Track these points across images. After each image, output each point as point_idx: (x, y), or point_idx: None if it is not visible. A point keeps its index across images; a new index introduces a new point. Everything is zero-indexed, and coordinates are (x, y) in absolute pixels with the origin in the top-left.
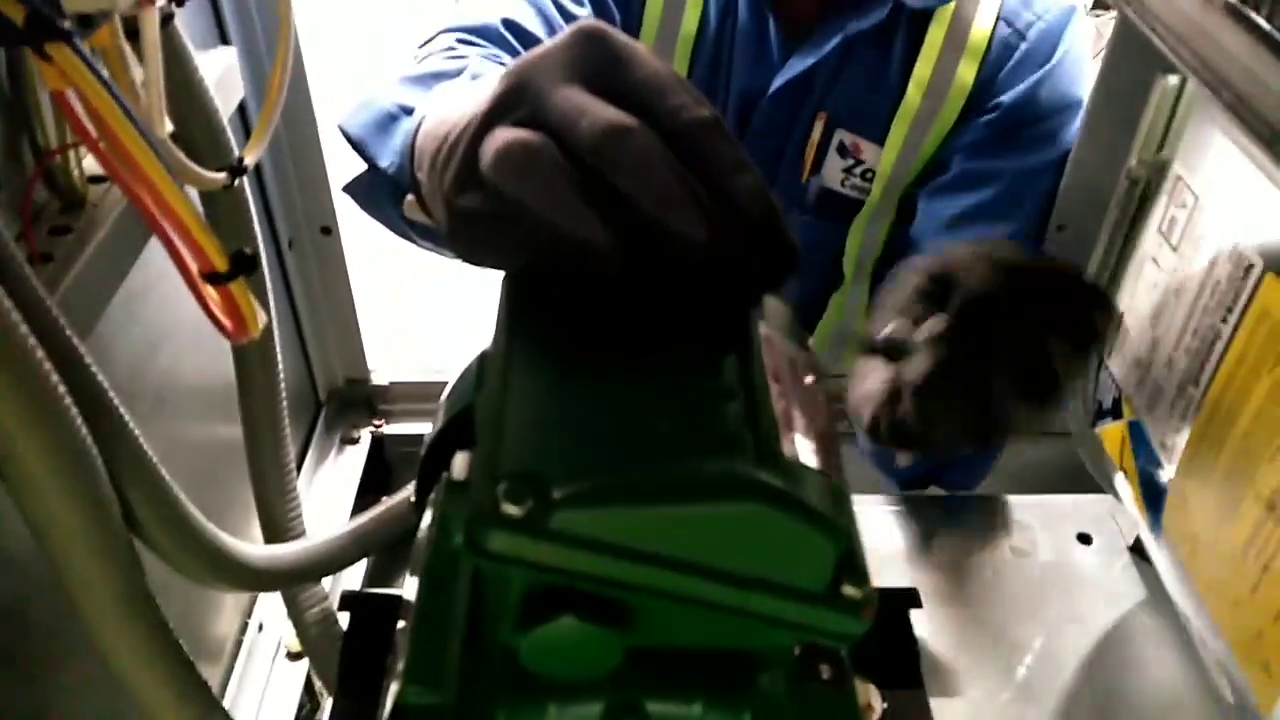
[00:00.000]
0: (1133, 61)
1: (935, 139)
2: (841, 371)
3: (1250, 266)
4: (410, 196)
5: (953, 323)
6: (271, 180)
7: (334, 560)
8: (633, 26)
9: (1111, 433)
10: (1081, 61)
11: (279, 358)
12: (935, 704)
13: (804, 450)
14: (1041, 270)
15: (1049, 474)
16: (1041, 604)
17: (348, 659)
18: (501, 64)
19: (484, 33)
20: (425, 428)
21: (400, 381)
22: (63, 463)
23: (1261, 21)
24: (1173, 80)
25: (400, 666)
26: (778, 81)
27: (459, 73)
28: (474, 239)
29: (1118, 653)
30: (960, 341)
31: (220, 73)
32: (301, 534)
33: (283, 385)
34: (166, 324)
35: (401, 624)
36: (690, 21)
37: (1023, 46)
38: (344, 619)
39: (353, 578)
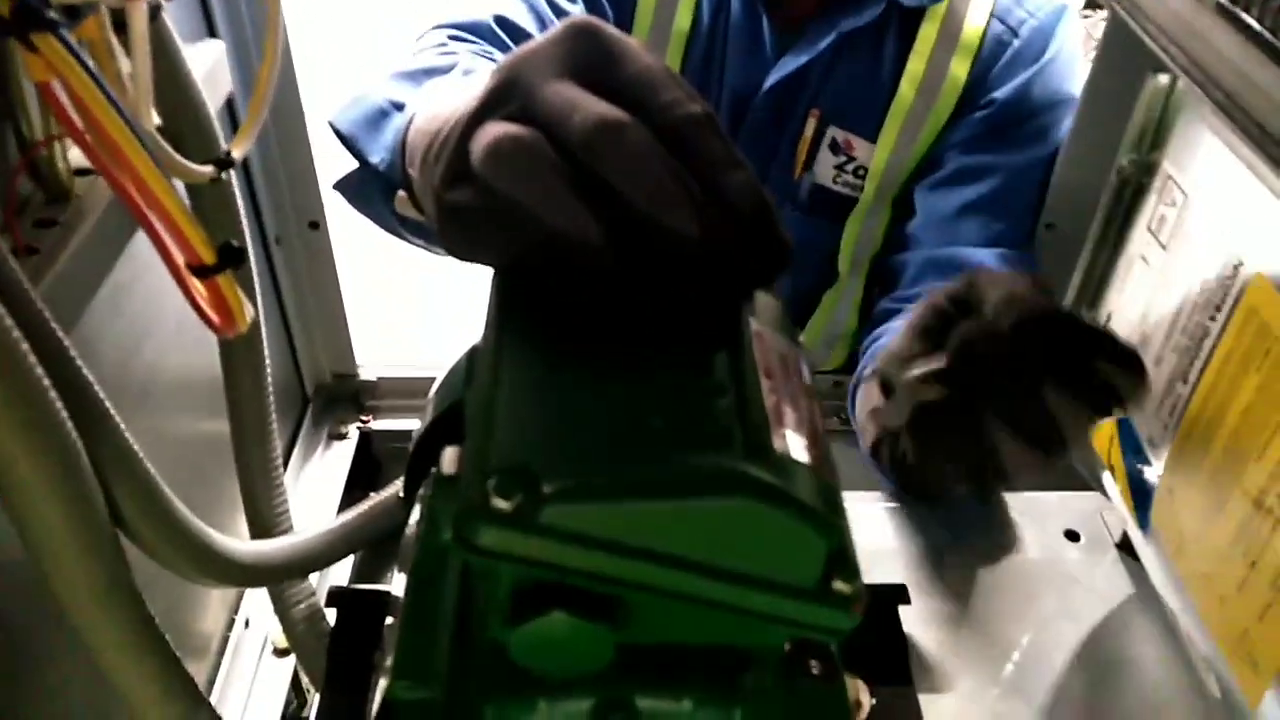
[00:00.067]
0: (1123, 60)
1: (928, 136)
2: (832, 368)
3: (1239, 265)
4: (401, 193)
5: (947, 364)
6: (259, 175)
7: (321, 556)
8: (625, 22)
9: (1099, 430)
10: (1074, 58)
11: (266, 352)
12: (924, 700)
13: (795, 446)
14: (1059, 321)
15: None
16: (1030, 600)
17: (335, 655)
18: (493, 60)
19: (475, 29)
20: (413, 423)
21: (388, 377)
22: (47, 457)
23: (1252, 21)
24: (1163, 79)
25: (389, 662)
26: (771, 78)
27: (450, 68)
28: (465, 234)
29: (1105, 649)
30: (953, 384)
31: (208, 66)
32: (289, 529)
33: (270, 380)
34: (152, 318)
35: (390, 620)
36: (683, 18)
37: (1015, 43)
38: (331, 615)
39: (340, 574)
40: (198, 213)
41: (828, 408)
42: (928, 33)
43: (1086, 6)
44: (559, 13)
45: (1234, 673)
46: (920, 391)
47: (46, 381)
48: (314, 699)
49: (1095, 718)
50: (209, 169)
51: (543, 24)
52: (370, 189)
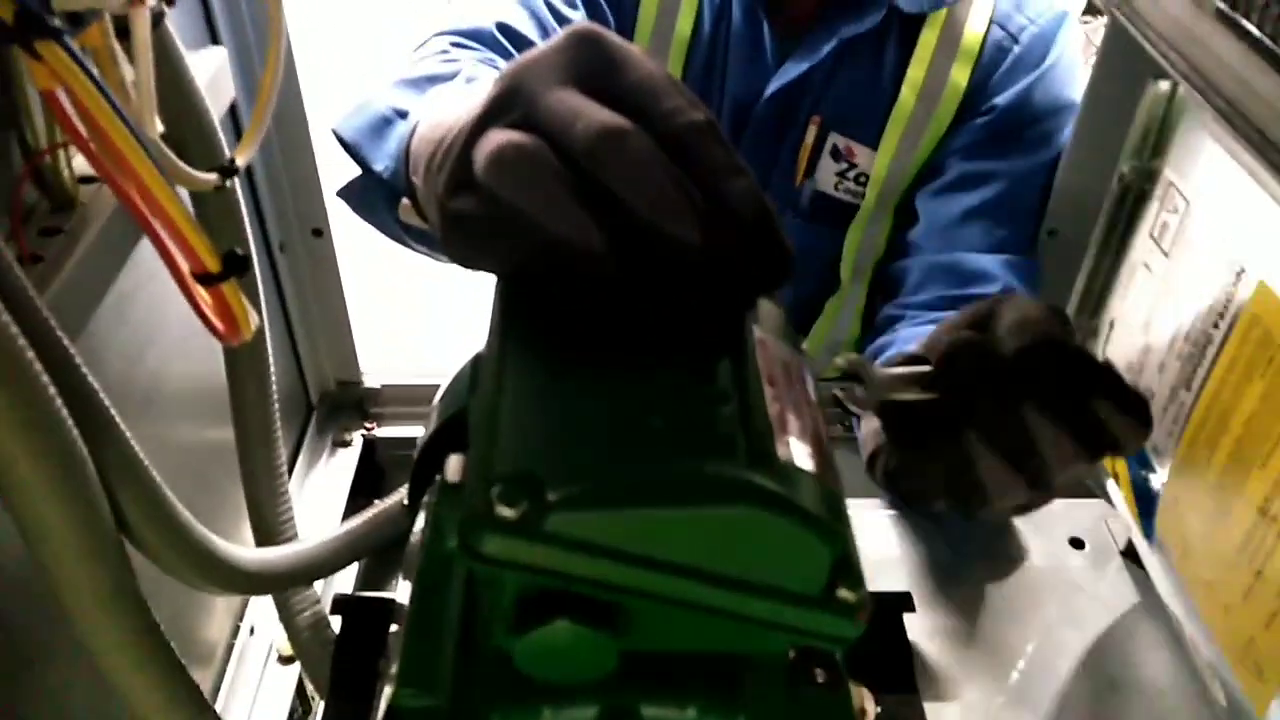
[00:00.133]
0: (1123, 67)
1: (929, 143)
2: (835, 375)
3: (1241, 272)
4: (405, 200)
5: (933, 369)
6: (263, 182)
7: (326, 563)
8: (627, 29)
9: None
10: (1074, 65)
11: (270, 360)
12: (928, 708)
13: (799, 454)
14: (1065, 352)
15: None
16: (1034, 608)
17: (340, 663)
18: (495, 67)
19: (478, 36)
20: (417, 431)
21: (392, 384)
22: (53, 463)
23: (1252, 27)
24: (1163, 86)
25: (394, 669)
26: (772, 85)
27: (453, 76)
28: (468, 242)
29: (1110, 657)
30: (935, 391)
31: (211, 73)
32: (293, 537)
33: (274, 387)
34: (156, 326)
35: (395, 627)
36: (684, 25)
37: (1016, 50)
38: (336, 623)
39: (345, 581)
40: (202, 220)
41: (830, 415)
42: (928, 39)
43: (1086, 12)
44: (561, 20)
45: (1239, 681)
46: (896, 388)
47: (52, 389)
48: (319, 706)
49: None
50: (213, 176)
51: (545, 31)
52: (374, 196)
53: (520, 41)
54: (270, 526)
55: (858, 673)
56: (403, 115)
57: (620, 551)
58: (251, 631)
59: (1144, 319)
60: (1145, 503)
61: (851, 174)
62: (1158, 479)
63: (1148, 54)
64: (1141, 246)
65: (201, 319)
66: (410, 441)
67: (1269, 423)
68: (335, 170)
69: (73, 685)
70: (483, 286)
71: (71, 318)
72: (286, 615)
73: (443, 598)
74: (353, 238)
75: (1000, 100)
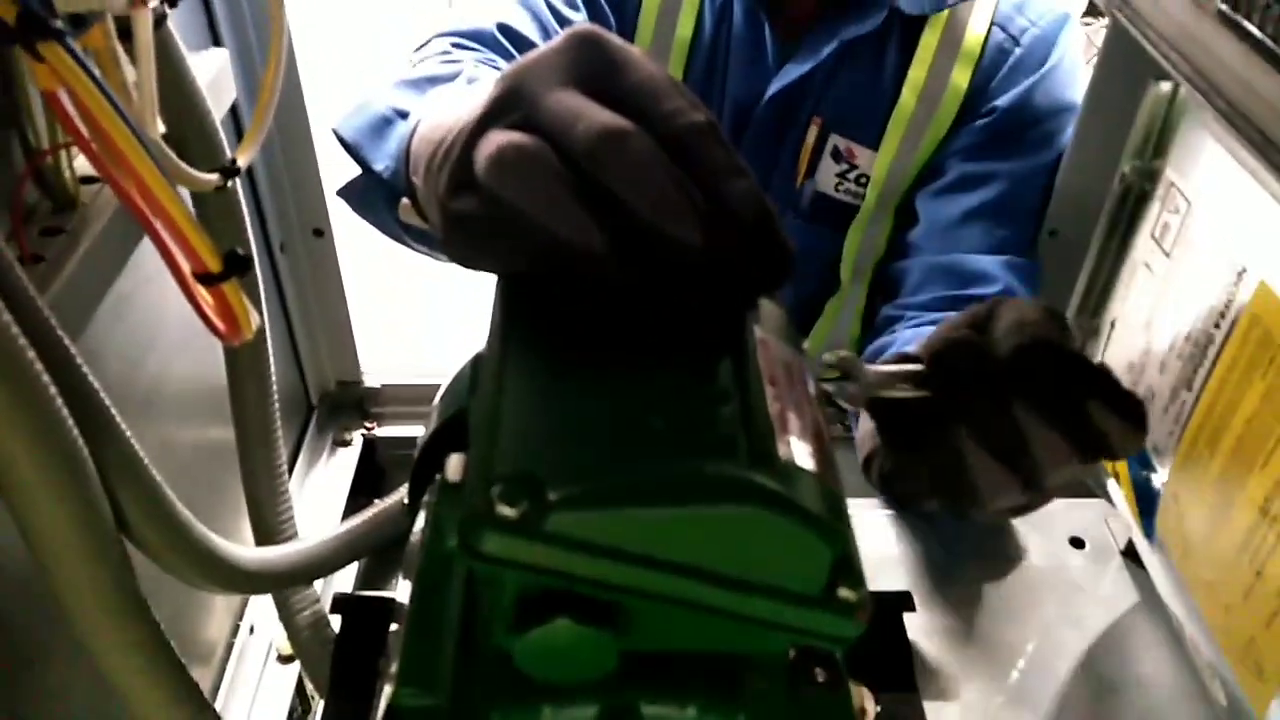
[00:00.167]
0: (1125, 68)
1: (929, 144)
2: (831, 375)
3: (1242, 272)
4: (405, 200)
5: (924, 367)
6: (264, 182)
7: (326, 563)
8: (628, 31)
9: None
10: (1075, 67)
11: (271, 360)
12: (929, 707)
13: (799, 453)
14: (1060, 354)
15: None
16: (1034, 608)
17: (339, 662)
18: (496, 68)
19: (479, 37)
20: (417, 431)
21: (392, 384)
22: (53, 463)
23: (1253, 28)
24: (1165, 86)
25: (394, 668)
26: (773, 87)
27: (454, 77)
28: (469, 242)
29: (1111, 657)
30: (927, 389)
31: (213, 74)
32: (293, 536)
33: (274, 387)
34: (156, 327)
35: (394, 627)
36: (685, 27)
37: (1017, 52)
38: (336, 622)
39: (344, 581)
40: (203, 220)
41: (831, 415)
42: (929, 41)
43: (1087, 13)
44: (562, 21)
45: (1240, 681)
46: (887, 385)
47: (53, 389)
48: (318, 706)
49: None
50: (214, 177)
51: (546, 32)
52: (374, 196)
53: (521, 43)
54: (270, 526)
55: (858, 672)
56: (403, 115)
57: (621, 551)
58: (251, 630)
59: (1145, 319)
60: (1146, 502)
61: (852, 175)
62: (1158, 478)
63: (1149, 55)
64: (1143, 247)
65: (202, 319)
66: (410, 441)
67: (1270, 423)
68: (336, 170)
69: (73, 684)
70: (483, 287)
71: (72, 318)
72: (286, 614)
73: (443, 597)
74: (353, 238)
75: (1001, 102)
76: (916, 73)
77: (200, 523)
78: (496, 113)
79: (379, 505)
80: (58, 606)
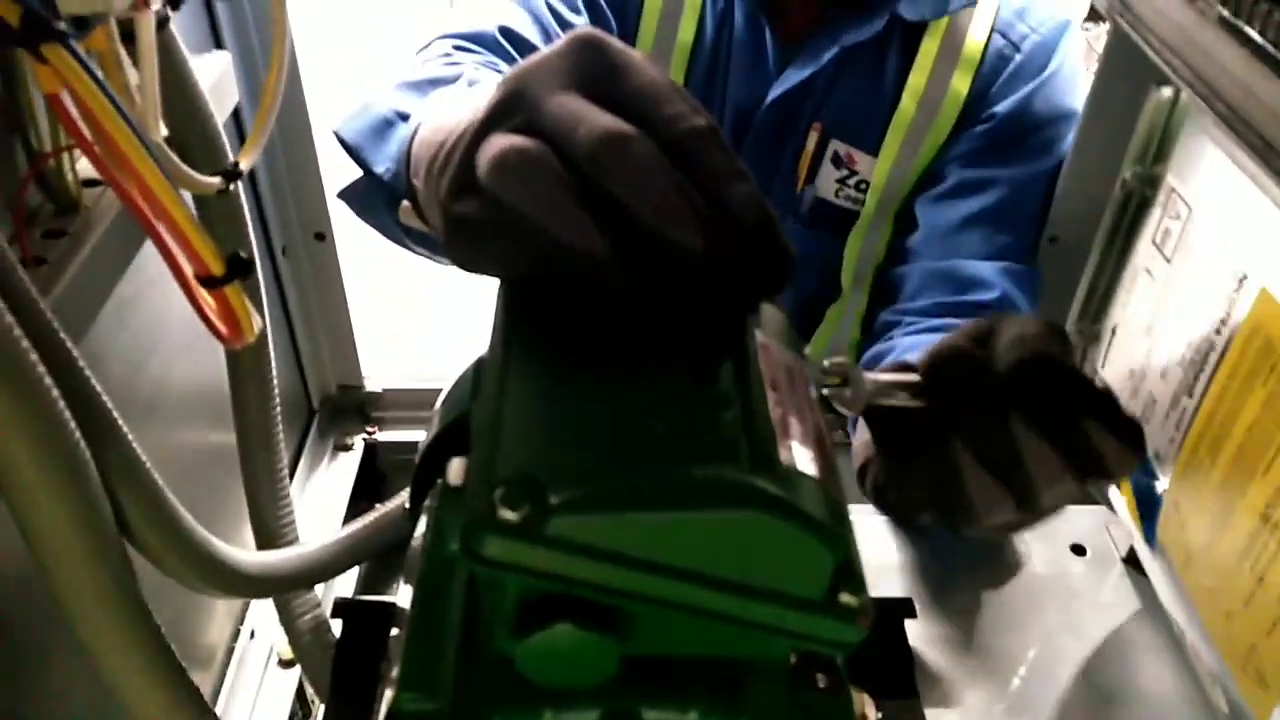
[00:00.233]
0: (1126, 74)
1: (929, 150)
2: (832, 382)
3: (1243, 278)
4: (406, 203)
5: (920, 394)
6: (266, 186)
7: (327, 567)
8: (629, 36)
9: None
10: (1076, 73)
11: (272, 363)
12: (929, 714)
13: (801, 458)
14: (1059, 370)
15: None
16: (1035, 615)
17: (340, 666)
18: (498, 71)
19: (480, 40)
20: (418, 435)
21: (393, 389)
22: (55, 464)
23: (1254, 34)
24: (1166, 92)
25: (395, 673)
26: (774, 92)
27: (455, 79)
28: (470, 246)
29: (1112, 664)
30: (924, 399)
31: (215, 77)
32: (294, 540)
33: (276, 391)
34: (158, 331)
35: (395, 631)
36: (686, 31)
37: (1017, 58)
38: (336, 626)
39: (345, 585)
40: (204, 224)
41: (831, 422)
42: (929, 47)
43: (1088, 19)
44: (564, 25)
45: (1241, 689)
46: (884, 393)
47: (55, 391)
48: (319, 710)
49: None
50: (216, 180)
51: (547, 36)
52: (375, 198)
53: (522, 45)
54: (271, 530)
55: (858, 678)
56: (404, 118)
57: (622, 555)
58: (252, 635)
59: (1146, 325)
60: (1147, 509)
61: (852, 181)
62: (1160, 485)
63: (1150, 60)
64: (1143, 253)
65: (205, 322)
66: (411, 446)
67: (1271, 429)
68: (338, 174)
69: (73, 687)
70: (484, 291)
71: (75, 320)
72: (287, 619)
73: (444, 601)
74: (355, 242)
75: (1001, 108)
76: (917, 79)
77: (201, 526)
78: (498, 116)
79: (380, 510)
80: (59, 609)
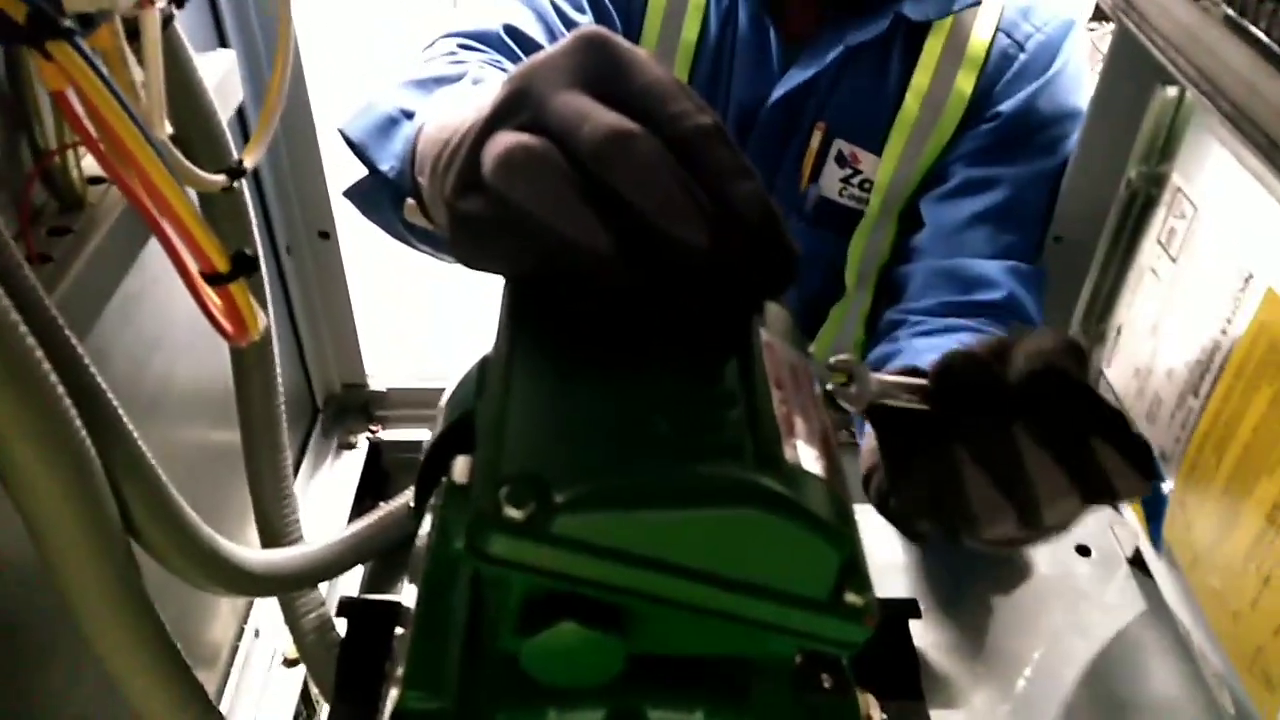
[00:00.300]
0: (1131, 73)
1: (933, 149)
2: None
3: (1249, 277)
4: (411, 201)
5: (927, 398)
6: (270, 184)
7: (331, 566)
8: (633, 34)
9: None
10: (1080, 72)
11: (277, 362)
12: (935, 715)
13: (806, 457)
14: (1070, 386)
15: None
16: (1041, 616)
17: (345, 665)
18: (502, 70)
19: (485, 38)
20: (422, 434)
21: (397, 388)
22: (60, 461)
23: (1260, 33)
24: (1171, 91)
25: (400, 672)
26: (778, 91)
27: (460, 78)
28: (475, 243)
29: (1117, 665)
30: (930, 403)
31: (219, 76)
32: (298, 539)
33: (280, 389)
34: (162, 329)
35: (400, 630)
36: (690, 30)
37: (1021, 58)
38: (341, 625)
39: (350, 584)
40: (209, 222)
41: (837, 421)
42: (933, 47)
43: (1093, 18)
44: (568, 23)
45: (1248, 690)
46: (889, 393)
47: (61, 389)
48: (323, 710)
49: None
50: (221, 178)
51: (552, 34)
52: (379, 196)
53: (527, 44)
54: (275, 528)
55: (863, 679)
56: (409, 116)
57: (627, 554)
58: (256, 634)
59: (1151, 324)
60: (1153, 510)
61: (856, 180)
62: (1165, 486)
63: (1155, 59)
64: (1149, 252)
65: (210, 319)
66: (415, 445)
67: (1277, 429)
68: (343, 173)
69: (78, 685)
70: (489, 290)
71: (79, 317)
72: (291, 618)
73: (449, 600)
74: (359, 240)
75: (1005, 107)
76: (921, 79)
77: (206, 524)
78: (504, 114)
79: (384, 508)
80: (64, 607)
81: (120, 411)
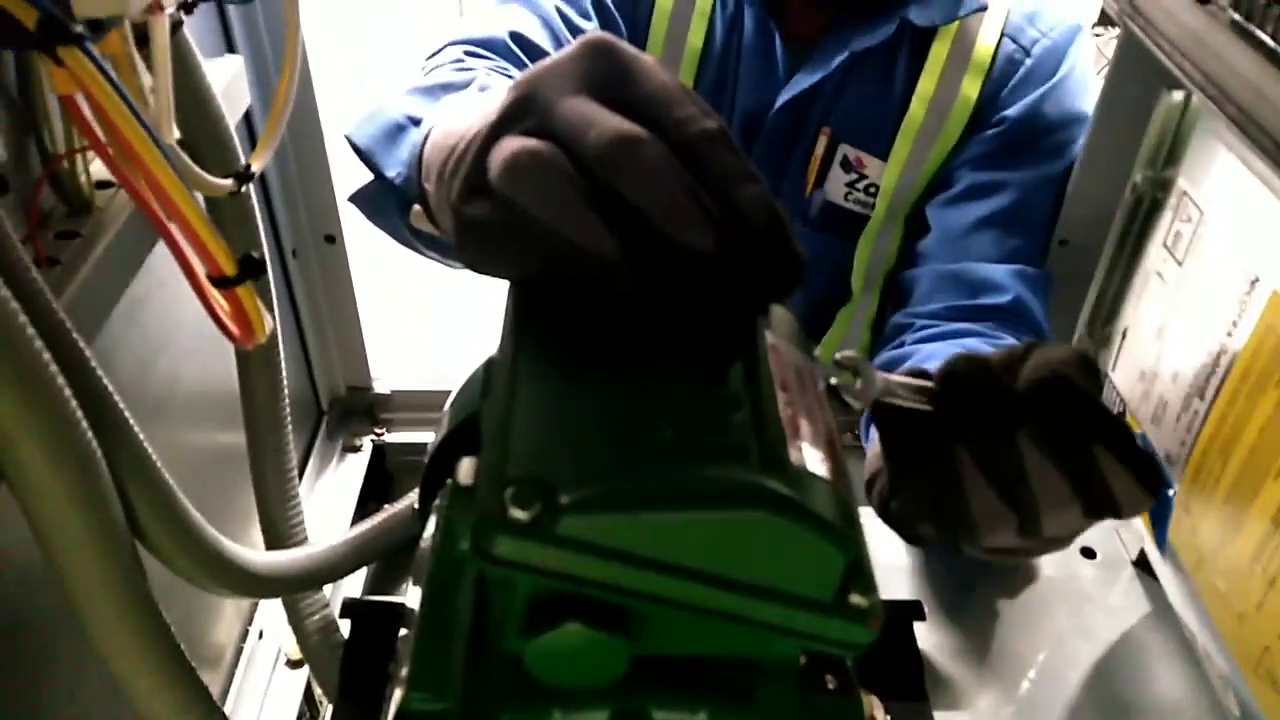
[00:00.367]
0: (1137, 77)
1: (939, 154)
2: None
3: (1255, 281)
4: (417, 206)
5: (932, 400)
6: (276, 189)
7: (335, 567)
8: (639, 40)
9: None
10: (1086, 77)
11: (282, 365)
12: (939, 717)
13: (811, 459)
14: (1077, 396)
15: None
16: (1045, 618)
17: (348, 667)
18: (508, 76)
19: (491, 45)
20: (427, 437)
21: (402, 390)
22: (67, 463)
23: (1266, 38)
24: (1177, 96)
25: (404, 673)
26: (783, 97)
27: (466, 84)
28: (481, 248)
29: (1122, 667)
30: (935, 405)
31: (227, 81)
32: (303, 541)
33: (285, 392)
34: (168, 332)
35: (404, 632)
36: (696, 36)
37: (1027, 63)
38: (345, 627)
39: (354, 585)
40: (216, 225)
41: (841, 423)
42: (939, 52)
43: (1098, 23)
44: (574, 30)
45: (1253, 692)
46: (894, 393)
47: (67, 391)
48: (327, 711)
49: None
50: (228, 182)
51: (557, 41)
52: (385, 202)
53: (533, 51)
54: (280, 530)
55: (867, 681)
56: (416, 122)
57: (632, 555)
58: (260, 635)
59: (1157, 328)
60: (1158, 512)
61: (861, 185)
62: (1170, 488)
63: (1161, 64)
64: (1155, 255)
65: (216, 322)
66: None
67: None
68: (349, 177)
69: (81, 686)
70: (494, 294)
71: (87, 320)
72: (295, 619)
73: (454, 601)
74: (365, 244)
75: (1011, 112)
76: (926, 84)
77: (211, 526)
78: (510, 119)
79: (389, 510)
80: (67, 608)
81: (126, 413)
